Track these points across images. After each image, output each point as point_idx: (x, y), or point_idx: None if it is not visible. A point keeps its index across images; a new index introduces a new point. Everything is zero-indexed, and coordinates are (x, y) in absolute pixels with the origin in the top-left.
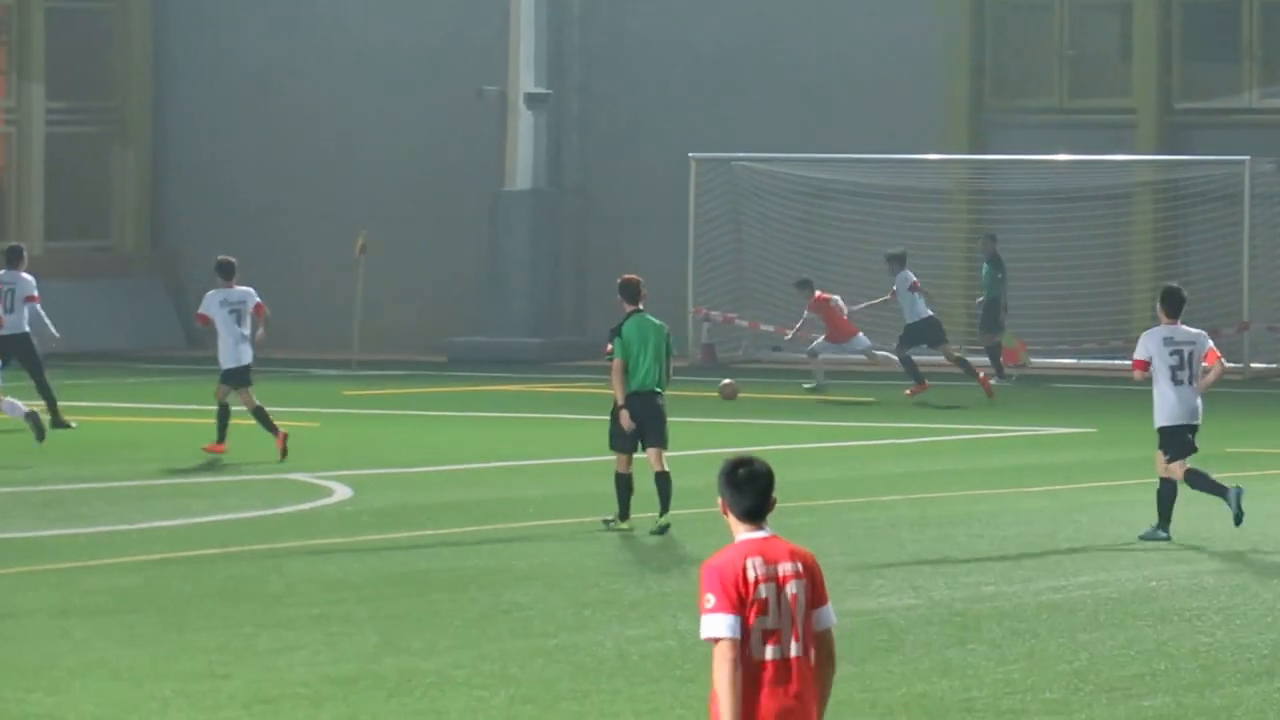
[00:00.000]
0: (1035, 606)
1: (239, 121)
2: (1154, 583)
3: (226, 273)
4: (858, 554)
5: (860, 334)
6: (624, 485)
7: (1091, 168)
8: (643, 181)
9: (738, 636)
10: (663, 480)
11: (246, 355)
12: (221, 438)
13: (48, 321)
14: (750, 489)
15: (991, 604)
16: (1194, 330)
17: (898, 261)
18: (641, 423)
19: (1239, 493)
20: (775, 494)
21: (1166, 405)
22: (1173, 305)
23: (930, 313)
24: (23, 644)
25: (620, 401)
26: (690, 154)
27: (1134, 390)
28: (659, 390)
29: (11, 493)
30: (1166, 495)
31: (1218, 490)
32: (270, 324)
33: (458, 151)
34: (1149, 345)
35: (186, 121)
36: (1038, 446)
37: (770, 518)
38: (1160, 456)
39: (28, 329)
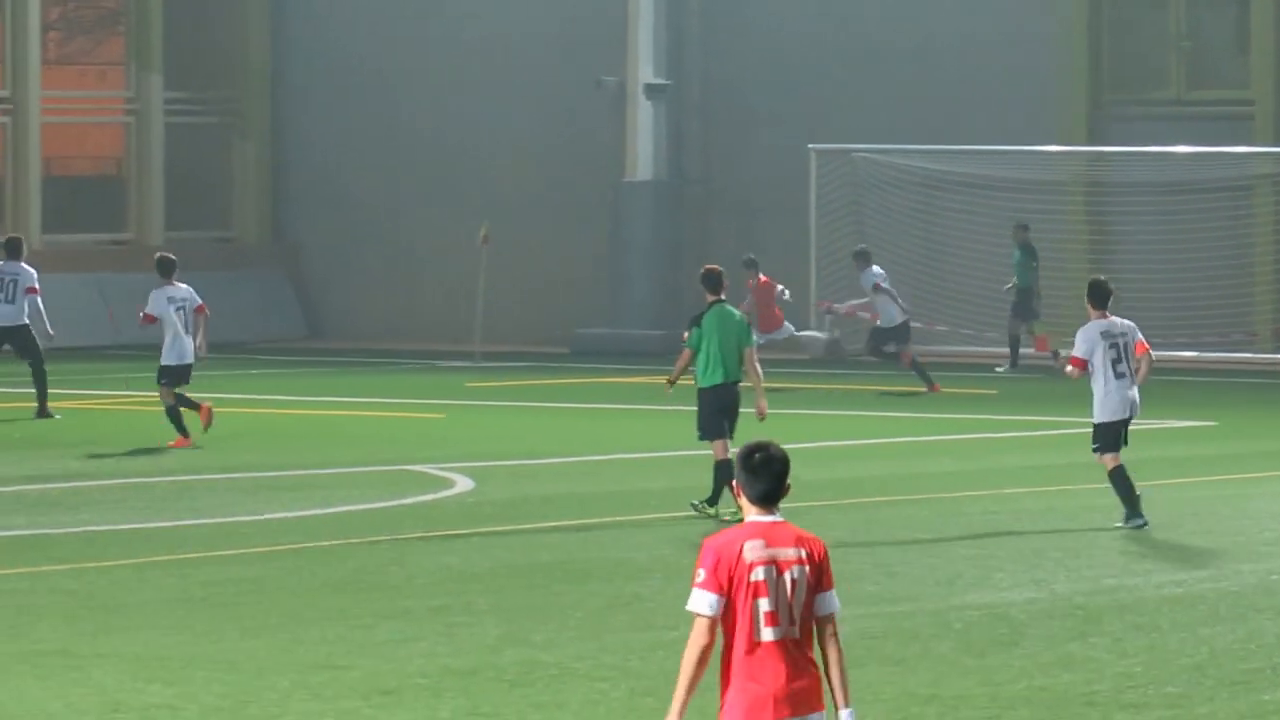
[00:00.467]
0: (1156, 600)
1: (358, 111)
2: (1275, 576)
3: (167, 270)
4: (979, 546)
5: (787, 323)
6: (725, 472)
7: (1209, 160)
8: (763, 172)
9: (716, 615)
10: (724, 469)
11: (189, 353)
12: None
13: (45, 318)
14: (765, 474)
15: (1112, 597)
16: (1125, 321)
17: (863, 259)
18: (722, 413)
19: (1141, 524)
20: (789, 481)
21: (1108, 400)
22: (1100, 297)
23: (905, 317)
24: (141, 635)
25: (669, 380)
26: (810, 145)
27: (1254, 383)
28: (739, 381)
29: (133, 484)
30: (1122, 483)
31: (1128, 501)
32: (209, 327)
33: (577, 142)
34: (1089, 340)
35: (306, 111)
36: (1158, 440)
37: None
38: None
39: (26, 321)
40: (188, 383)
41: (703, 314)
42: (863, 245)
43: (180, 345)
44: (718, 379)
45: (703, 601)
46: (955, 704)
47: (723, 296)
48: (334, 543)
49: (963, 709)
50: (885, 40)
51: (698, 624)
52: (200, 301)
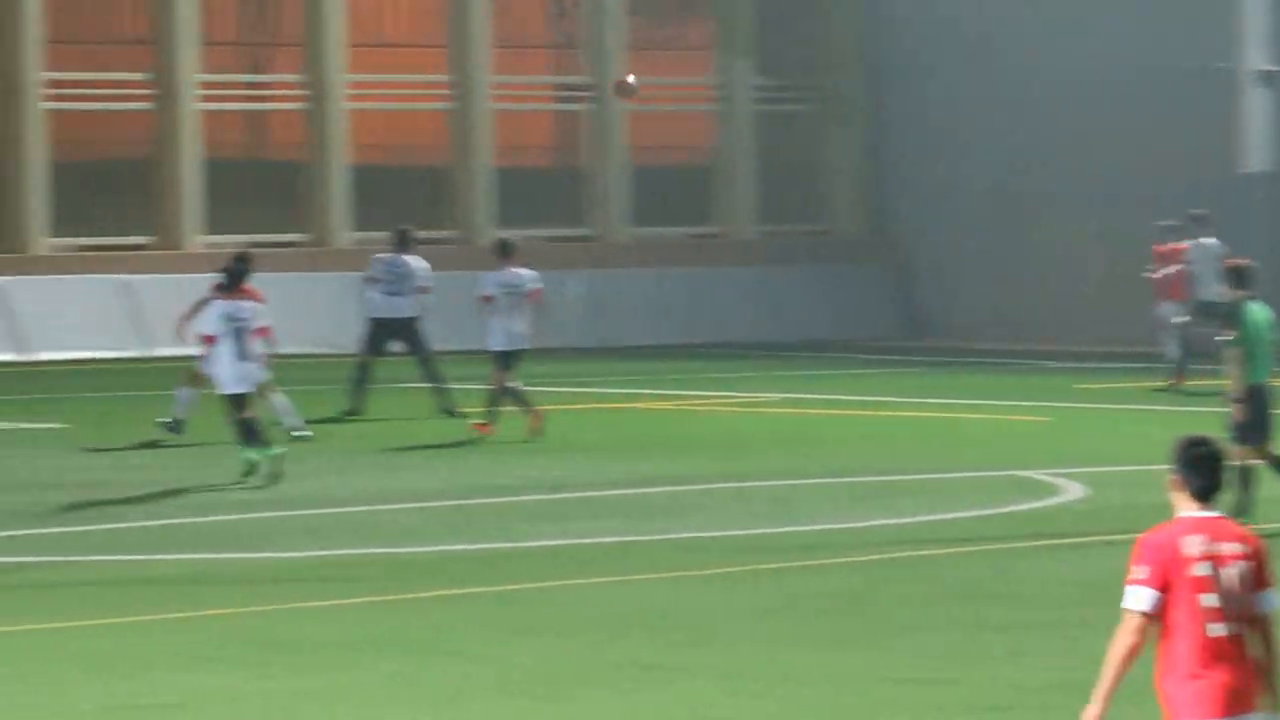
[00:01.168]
0: None
1: (963, 97)
2: None
3: (506, 252)
4: None
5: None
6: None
7: None
8: None
9: (1151, 612)
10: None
11: (520, 339)
12: (533, 409)
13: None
14: (1206, 468)
15: None
16: None
17: (1201, 224)
18: (1265, 415)
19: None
20: (1226, 476)
21: None
22: None
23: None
24: (732, 646)
25: (1240, 392)
26: None
27: None
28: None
29: (730, 488)
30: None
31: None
32: (538, 312)
33: (1185, 131)
34: None
35: (907, 96)
36: None
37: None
38: None
39: (414, 315)
40: (515, 368)
41: (1238, 310)
42: (1200, 210)
43: (505, 329)
44: (1260, 377)
45: (1144, 598)
46: None
47: (1250, 291)
48: (937, 551)
49: None
50: None
51: (1130, 621)
52: (537, 287)
